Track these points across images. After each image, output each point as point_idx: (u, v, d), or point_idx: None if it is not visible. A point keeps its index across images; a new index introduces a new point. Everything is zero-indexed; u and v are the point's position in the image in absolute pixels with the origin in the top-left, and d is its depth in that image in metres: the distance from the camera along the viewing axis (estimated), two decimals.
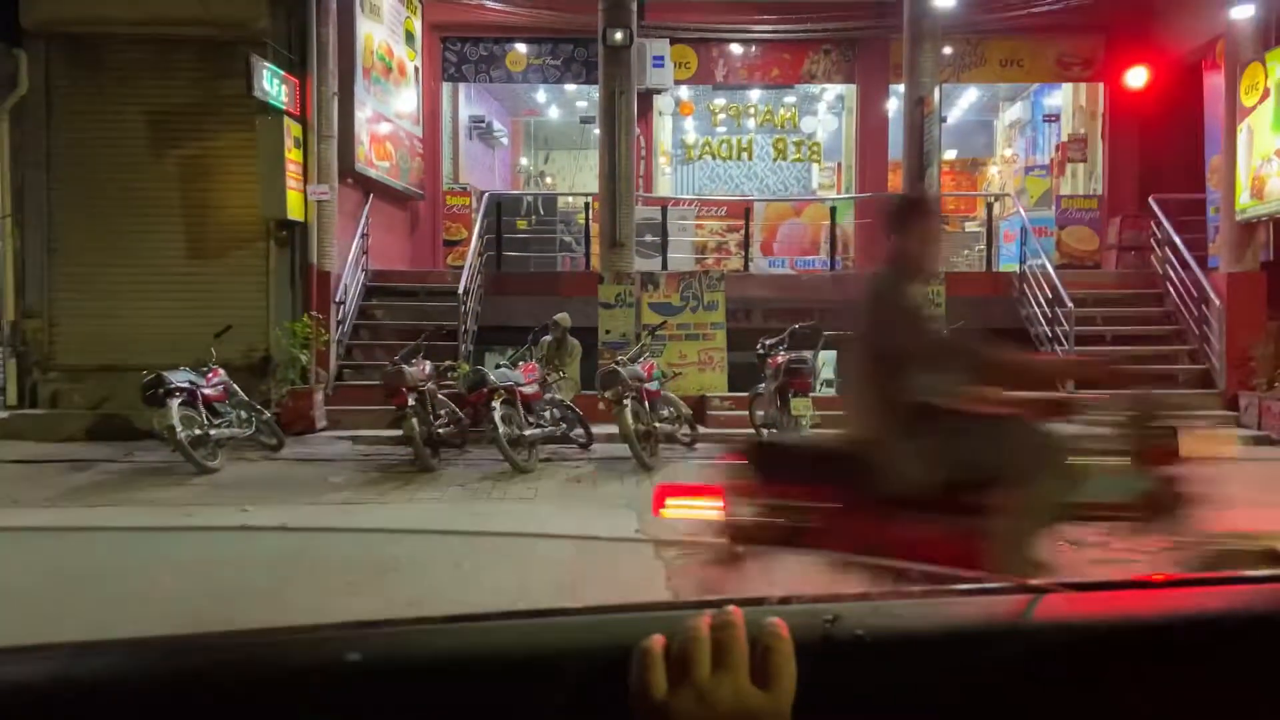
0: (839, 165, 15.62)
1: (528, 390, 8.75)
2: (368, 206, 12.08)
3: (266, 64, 9.89)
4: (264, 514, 6.54)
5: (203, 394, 8.39)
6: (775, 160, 15.75)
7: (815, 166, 16.04)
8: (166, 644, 0.75)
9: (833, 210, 13.28)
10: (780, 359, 8.90)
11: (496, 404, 8.25)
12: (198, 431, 8.12)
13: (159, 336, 10.07)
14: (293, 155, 10.36)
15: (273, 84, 9.95)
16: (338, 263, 11.02)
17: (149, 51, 10.45)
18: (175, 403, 7.96)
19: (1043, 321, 11.02)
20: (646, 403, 8.64)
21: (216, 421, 8.48)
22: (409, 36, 13.22)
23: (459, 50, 14.15)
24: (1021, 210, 12.77)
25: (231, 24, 10.18)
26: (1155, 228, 11.79)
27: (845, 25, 13.26)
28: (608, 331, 10.95)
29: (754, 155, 15.62)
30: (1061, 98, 15.18)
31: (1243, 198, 10.29)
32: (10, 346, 10.56)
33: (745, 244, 13.18)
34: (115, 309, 10.47)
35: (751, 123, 15.44)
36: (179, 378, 8.21)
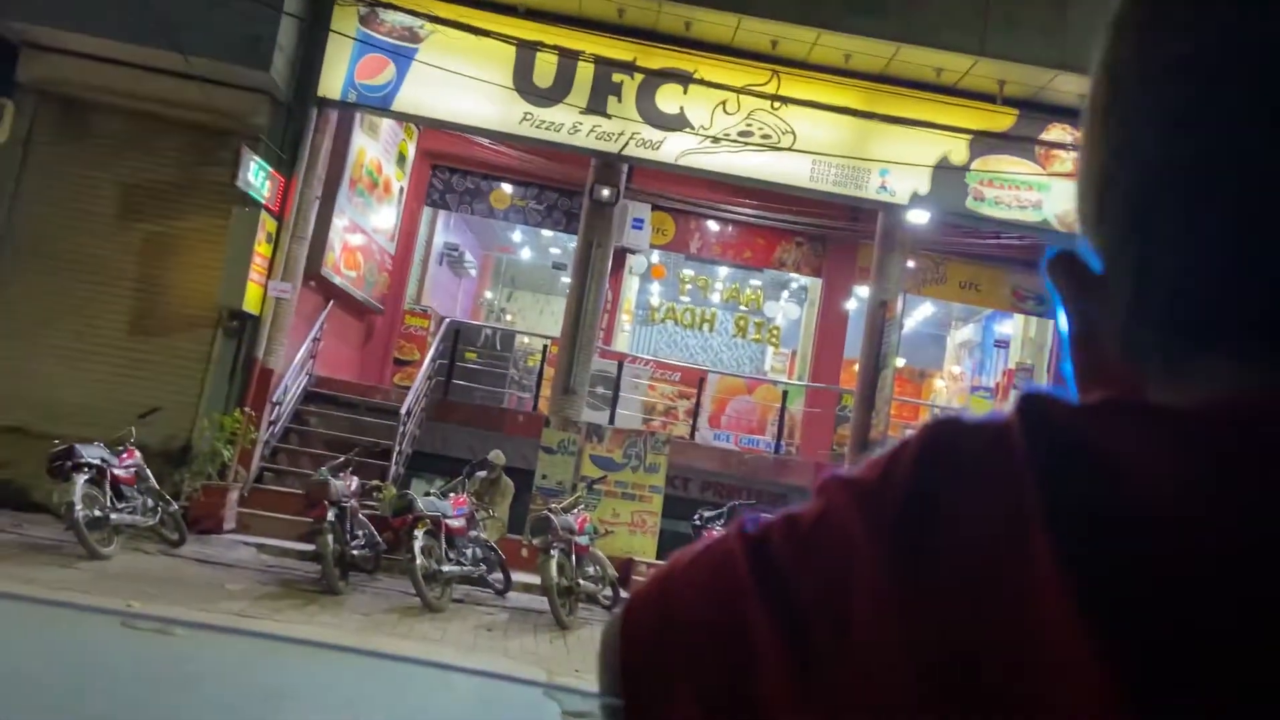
0: (794, 352, 15.97)
1: (454, 524, 8.44)
2: (325, 311, 11.95)
3: (256, 157, 9.94)
4: (150, 612, 6.05)
5: (112, 474, 7.93)
6: (734, 336, 16.07)
7: (771, 349, 16.38)
8: None
9: (785, 394, 13.46)
10: (716, 534, 8.74)
11: (419, 533, 7.92)
12: (98, 513, 7.62)
13: (81, 407, 9.62)
14: (261, 249, 10.28)
15: (258, 177, 9.98)
16: (283, 362, 10.77)
17: (139, 126, 10.42)
18: (81, 479, 7.49)
19: None
20: (574, 557, 8.37)
21: (120, 506, 7.98)
22: (401, 158, 13.49)
23: (446, 179, 14.44)
24: None
25: (230, 116, 10.27)
26: None
27: (820, 222, 13.85)
28: (544, 477, 10.74)
29: (714, 328, 15.92)
30: (1013, 326, 15.86)
31: None
32: None
33: (694, 413, 13.23)
34: (42, 370, 10.00)
35: (717, 297, 15.83)
36: (91, 453, 7.77)
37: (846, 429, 12.26)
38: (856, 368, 12.12)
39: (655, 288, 16.55)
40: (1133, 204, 0.37)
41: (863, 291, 13.27)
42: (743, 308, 15.58)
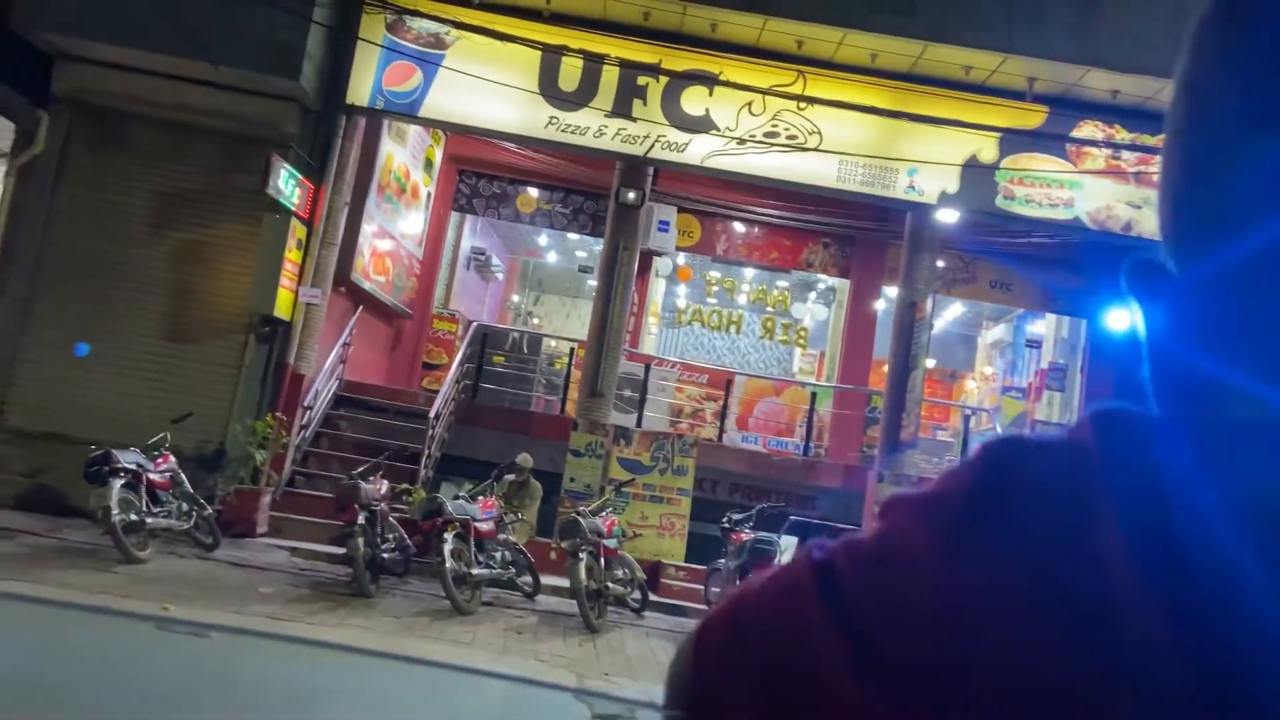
0: (822, 354, 15.89)
1: (483, 527, 8.48)
2: (355, 317, 12.05)
3: (286, 165, 10.05)
4: (185, 615, 6.13)
5: (148, 479, 8.05)
6: (761, 338, 16.01)
7: (799, 351, 16.31)
8: None
9: (813, 396, 13.40)
10: (745, 536, 8.72)
11: (449, 536, 7.96)
12: (133, 517, 7.74)
13: (117, 413, 9.78)
14: (292, 255, 10.39)
15: (288, 185, 10.08)
16: (314, 367, 10.88)
17: (171, 135, 10.57)
18: (118, 483, 7.61)
19: None
20: (602, 560, 8.38)
21: (156, 510, 8.10)
22: (428, 164, 13.59)
23: (473, 184, 14.52)
24: (998, 428, 12.94)
25: (261, 123, 10.39)
26: None
27: (847, 222, 13.78)
28: (572, 480, 10.76)
29: (741, 330, 15.88)
30: (1045, 326, 15.68)
31: None
32: None
33: (722, 415, 13.19)
34: (79, 378, 10.18)
35: (743, 299, 15.79)
36: (127, 458, 7.89)
37: (876, 430, 12.18)
38: (886, 369, 12.04)
39: (682, 290, 16.53)
40: (1220, 215, 0.37)
41: (891, 292, 13.19)
42: (770, 309, 15.52)
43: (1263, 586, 0.30)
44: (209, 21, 9.76)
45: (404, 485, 9.79)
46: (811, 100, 10.96)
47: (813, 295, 16.29)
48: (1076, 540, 0.33)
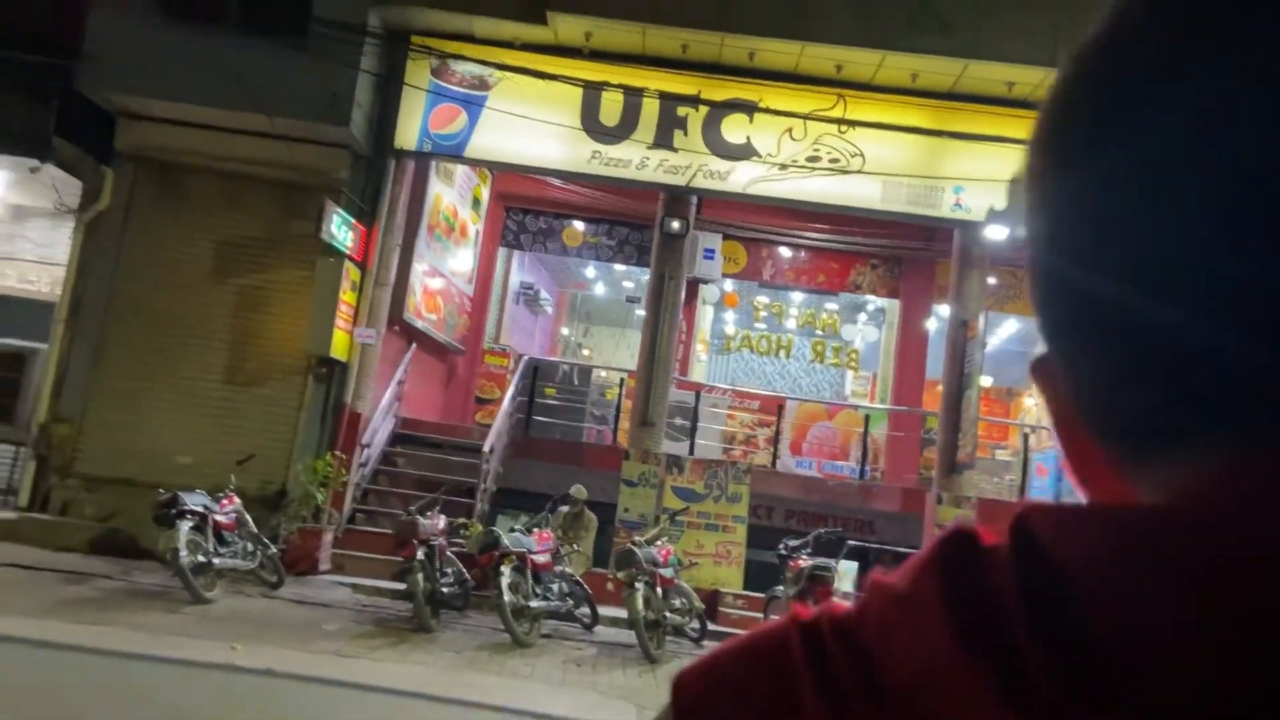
0: (874, 375, 15.75)
1: (540, 559, 8.53)
2: (409, 355, 12.27)
3: (339, 210, 10.33)
4: (253, 654, 6.26)
5: (214, 520, 8.26)
6: (811, 362, 15.92)
7: (850, 373, 16.18)
8: None
9: (866, 418, 13.28)
10: (803, 563, 8.65)
11: (506, 569, 8.03)
12: (201, 559, 7.94)
13: (182, 456, 10.06)
14: (347, 297, 10.64)
15: (341, 229, 10.35)
16: (370, 405, 11.09)
17: (229, 185, 10.94)
18: (185, 525, 7.83)
19: None
20: (659, 589, 8.37)
21: (222, 550, 8.30)
22: (475, 202, 13.84)
23: (520, 220, 14.74)
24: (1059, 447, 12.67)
25: (313, 171, 10.70)
26: None
27: (894, 243, 13.70)
28: (626, 510, 10.78)
29: (791, 354, 15.82)
30: None
31: None
32: (34, 449, 10.56)
33: (775, 440, 13.13)
34: (145, 423, 10.51)
35: (792, 323, 15.74)
36: (194, 500, 8.12)
37: (933, 452, 12.02)
38: (940, 389, 11.90)
39: (730, 316, 16.54)
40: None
41: (943, 311, 13.06)
42: (819, 332, 15.45)
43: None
44: (262, 75, 10.11)
45: (461, 520, 9.90)
46: (853, 123, 10.97)
47: (862, 317, 16.19)
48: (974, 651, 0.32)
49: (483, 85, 11.16)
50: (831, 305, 15.90)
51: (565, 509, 9.85)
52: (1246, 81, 0.30)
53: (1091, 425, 0.37)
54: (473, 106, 11.12)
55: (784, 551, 9.16)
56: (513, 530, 8.83)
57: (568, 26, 10.75)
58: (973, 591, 0.34)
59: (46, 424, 10.59)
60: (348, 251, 10.54)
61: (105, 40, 10.33)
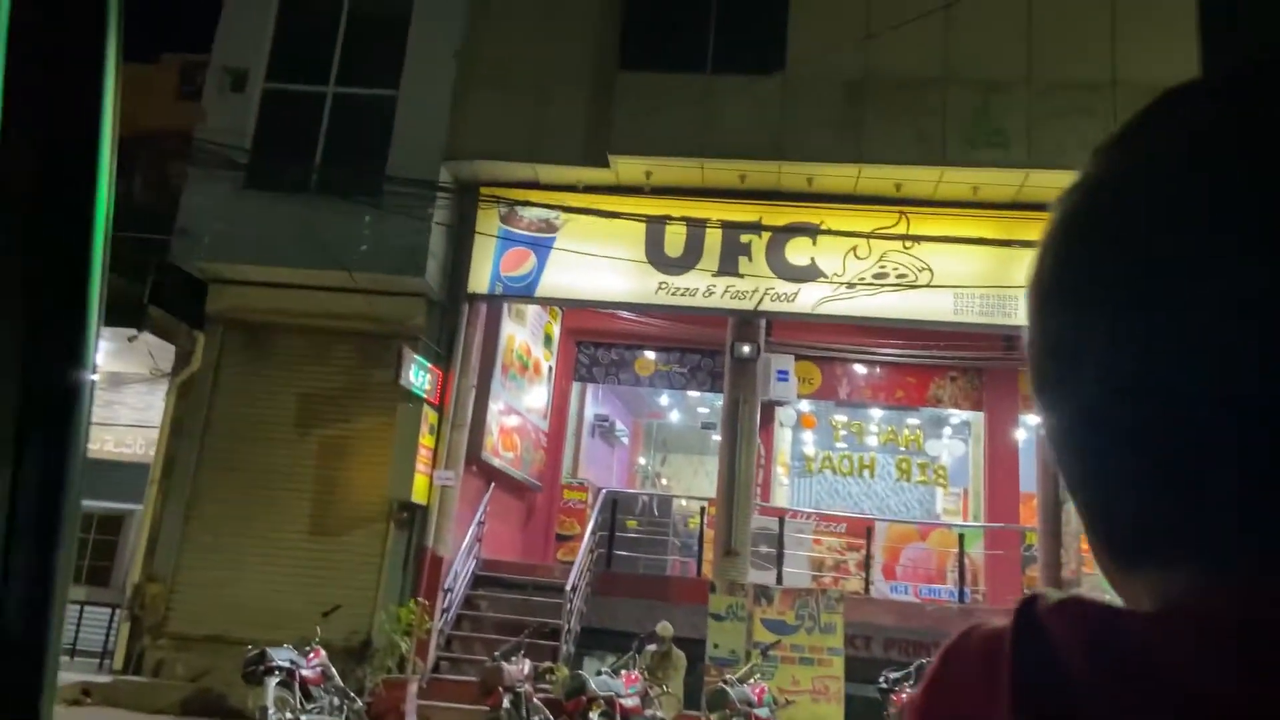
0: (965, 491, 15.20)
1: (628, 703, 8.21)
2: (488, 494, 12.29)
3: (416, 356, 10.59)
4: None
5: (301, 675, 8.19)
6: (898, 480, 15.48)
7: (940, 491, 15.65)
8: None
9: (961, 537, 12.74)
10: (906, 696, 8.15)
11: (594, 715, 7.74)
12: (289, 715, 7.85)
13: (268, 610, 10.10)
14: (425, 440, 10.78)
15: (419, 375, 10.59)
16: (451, 548, 11.06)
17: (312, 340, 11.34)
18: (273, 682, 7.78)
19: None
20: None
21: (309, 706, 8.20)
22: (547, 339, 14.09)
23: (591, 353, 14.92)
24: None
25: (391, 321, 11.06)
26: None
27: (973, 355, 13.43)
28: (716, 645, 10.39)
29: (875, 474, 15.41)
30: None
31: None
32: (128, 610, 10.74)
33: (866, 565, 12.66)
34: (232, 579, 10.63)
35: (874, 440, 15.40)
36: (281, 656, 8.08)
37: (1035, 569, 11.42)
38: (1036, 503, 11.40)
39: (808, 437, 16.26)
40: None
41: (1030, 420, 12.64)
42: (903, 449, 15.08)
43: None
44: (341, 235, 10.61)
45: (546, 663, 9.64)
46: (917, 238, 10.96)
47: (947, 431, 15.76)
48: None
49: (550, 227, 11.51)
50: (913, 420, 15.54)
51: (652, 648, 9.54)
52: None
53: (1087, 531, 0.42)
54: (541, 248, 11.45)
55: (885, 685, 8.67)
56: (599, 673, 8.56)
57: (629, 167, 11.10)
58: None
59: (140, 584, 10.78)
60: (425, 396, 10.75)
61: (196, 213, 11.02)
